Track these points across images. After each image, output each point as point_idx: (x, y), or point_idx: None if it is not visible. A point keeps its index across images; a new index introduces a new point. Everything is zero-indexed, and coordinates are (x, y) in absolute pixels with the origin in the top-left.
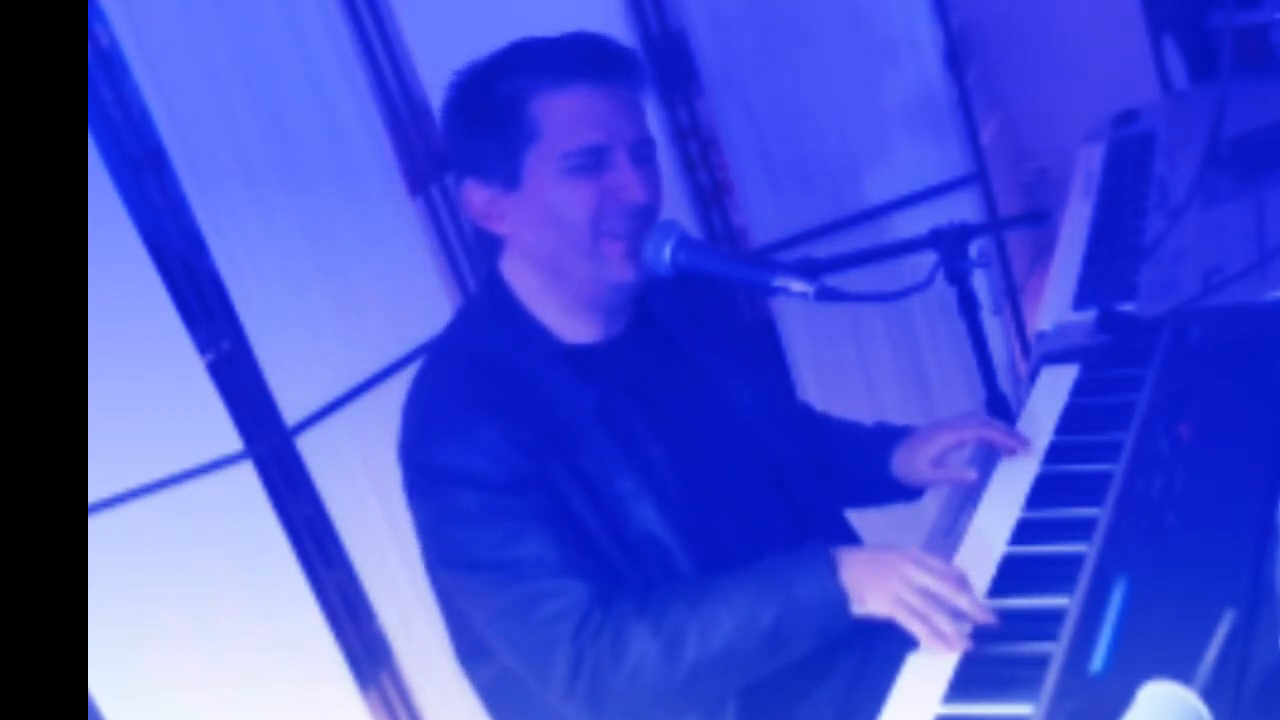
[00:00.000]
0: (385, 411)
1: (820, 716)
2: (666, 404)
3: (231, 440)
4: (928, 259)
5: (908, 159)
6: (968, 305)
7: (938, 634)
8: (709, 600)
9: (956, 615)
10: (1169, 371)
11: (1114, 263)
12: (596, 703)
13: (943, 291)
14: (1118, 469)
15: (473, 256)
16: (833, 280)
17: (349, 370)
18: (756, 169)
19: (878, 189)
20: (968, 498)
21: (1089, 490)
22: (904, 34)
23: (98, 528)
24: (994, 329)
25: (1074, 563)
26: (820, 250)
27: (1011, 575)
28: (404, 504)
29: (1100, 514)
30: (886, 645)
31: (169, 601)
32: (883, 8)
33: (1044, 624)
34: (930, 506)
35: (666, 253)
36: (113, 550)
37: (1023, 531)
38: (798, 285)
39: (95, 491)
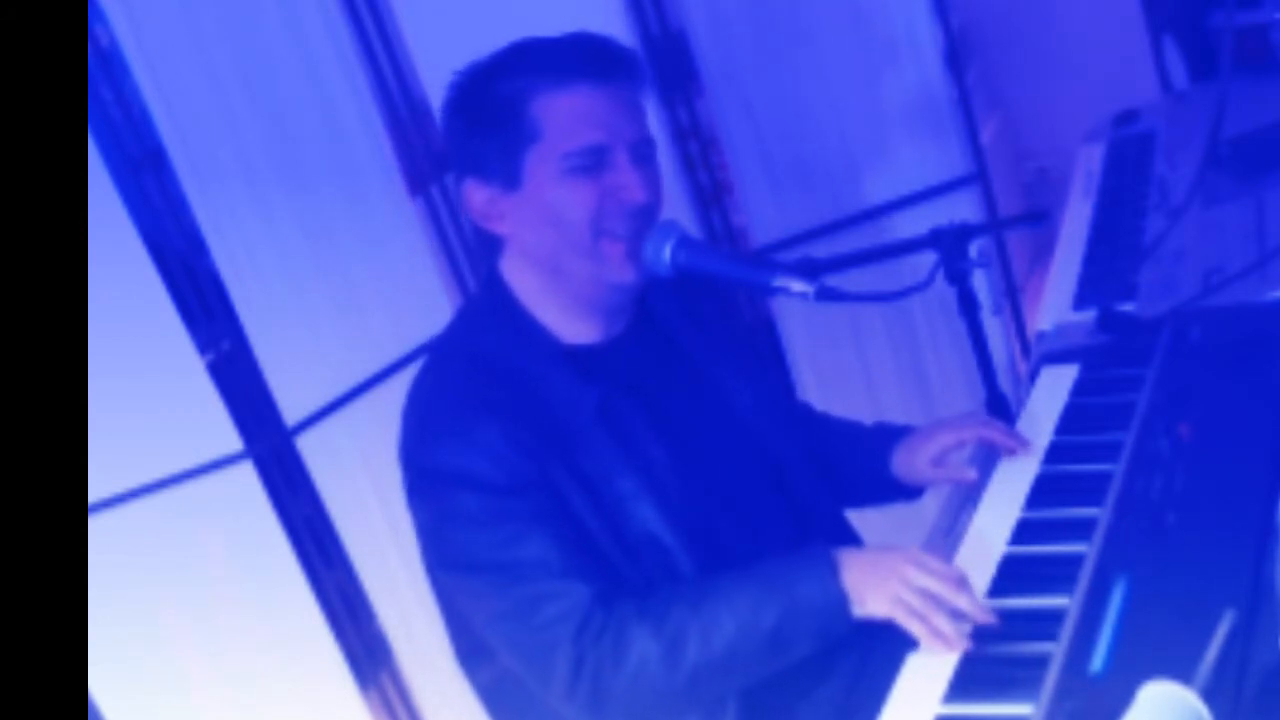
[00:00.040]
0: (385, 411)
1: (820, 716)
2: (667, 404)
3: (231, 440)
4: (928, 259)
5: (908, 159)
6: (968, 305)
7: (937, 634)
8: (710, 602)
9: (956, 615)
10: (1169, 371)
11: (1114, 263)
12: (598, 704)
13: (943, 291)
14: (1118, 469)
15: (473, 256)
16: (833, 280)
17: (349, 370)
18: (756, 169)
19: (878, 189)
20: (968, 498)
21: (1089, 490)
22: (904, 34)
23: (98, 528)
24: (994, 329)
25: (1074, 563)
26: (820, 250)
27: (1011, 575)
28: (404, 504)
29: (1100, 514)
30: (886, 645)
31: (169, 601)
32: (883, 8)
33: (1044, 624)
34: (930, 506)
35: (666, 253)
36: (113, 550)
37: (1023, 531)
38: (798, 285)
39: (95, 491)
